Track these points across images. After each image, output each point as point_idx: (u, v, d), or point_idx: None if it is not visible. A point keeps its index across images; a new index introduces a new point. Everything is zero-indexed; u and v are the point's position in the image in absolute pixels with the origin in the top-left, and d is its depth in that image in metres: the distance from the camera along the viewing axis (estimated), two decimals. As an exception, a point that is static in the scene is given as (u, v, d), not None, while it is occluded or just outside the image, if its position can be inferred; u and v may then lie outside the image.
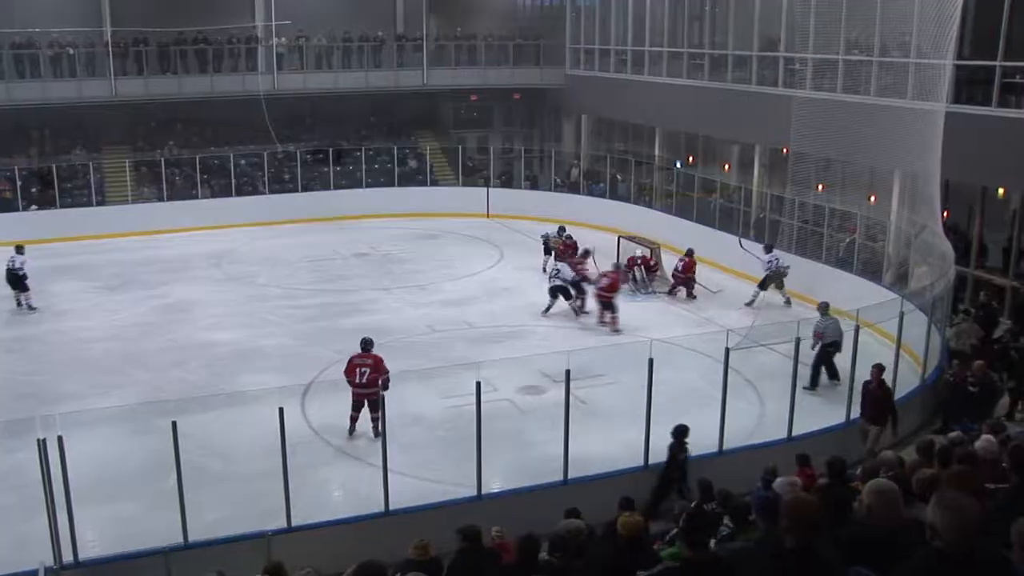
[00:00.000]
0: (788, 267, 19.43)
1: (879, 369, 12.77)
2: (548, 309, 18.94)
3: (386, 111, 32.84)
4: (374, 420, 12.65)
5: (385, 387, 11.62)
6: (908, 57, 18.09)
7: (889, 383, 12.91)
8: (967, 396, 13.03)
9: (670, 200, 26.06)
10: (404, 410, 13.11)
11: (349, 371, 13.09)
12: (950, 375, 13.65)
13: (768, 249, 19.72)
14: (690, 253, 20.65)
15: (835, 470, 8.35)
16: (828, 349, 14.92)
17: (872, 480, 5.30)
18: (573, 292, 19.00)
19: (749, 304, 19.40)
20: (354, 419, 13.14)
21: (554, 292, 18.98)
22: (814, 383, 14.75)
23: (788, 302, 19.44)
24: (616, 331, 17.97)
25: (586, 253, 20.16)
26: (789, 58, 21.87)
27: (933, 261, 16.68)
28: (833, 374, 14.92)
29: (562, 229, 22.98)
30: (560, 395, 11.44)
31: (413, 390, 14.33)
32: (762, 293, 19.52)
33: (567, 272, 19.09)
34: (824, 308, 15.38)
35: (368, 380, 12.75)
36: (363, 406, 13.03)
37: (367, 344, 13.36)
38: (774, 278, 19.48)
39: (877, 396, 12.70)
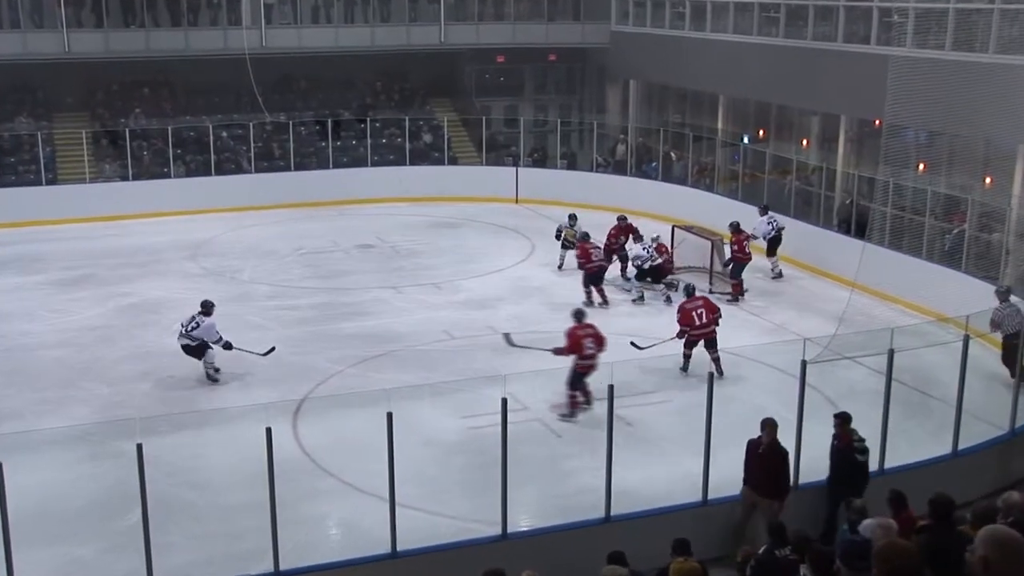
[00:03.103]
0: (783, 227, 21.42)
1: (772, 427, 11.45)
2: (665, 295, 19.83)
3: (396, 75, 32.95)
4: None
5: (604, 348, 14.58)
6: (1041, 3, 17.91)
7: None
8: (855, 465, 11.40)
9: (735, 183, 25.94)
10: (415, 432, 13.10)
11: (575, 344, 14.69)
12: (835, 437, 11.68)
13: (764, 210, 21.45)
14: (736, 228, 20.55)
15: (940, 511, 8.20)
16: (1012, 341, 14.77)
17: (989, 527, 5.19)
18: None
19: (777, 277, 21.29)
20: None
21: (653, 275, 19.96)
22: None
23: (780, 274, 21.42)
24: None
25: (586, 236, 20.73)
26: (885, 8, 21.68)
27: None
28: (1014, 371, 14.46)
29: (573, 217, 22.67)
30: (601, 415, 11.40)
31: (426, 408, 14.37)
32: (778, 260, 21.38)
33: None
34: (1004, 294, 15.64)
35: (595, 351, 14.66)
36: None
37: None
38: (778, 242, 21.32)
39: (768, 462, 11.25)
